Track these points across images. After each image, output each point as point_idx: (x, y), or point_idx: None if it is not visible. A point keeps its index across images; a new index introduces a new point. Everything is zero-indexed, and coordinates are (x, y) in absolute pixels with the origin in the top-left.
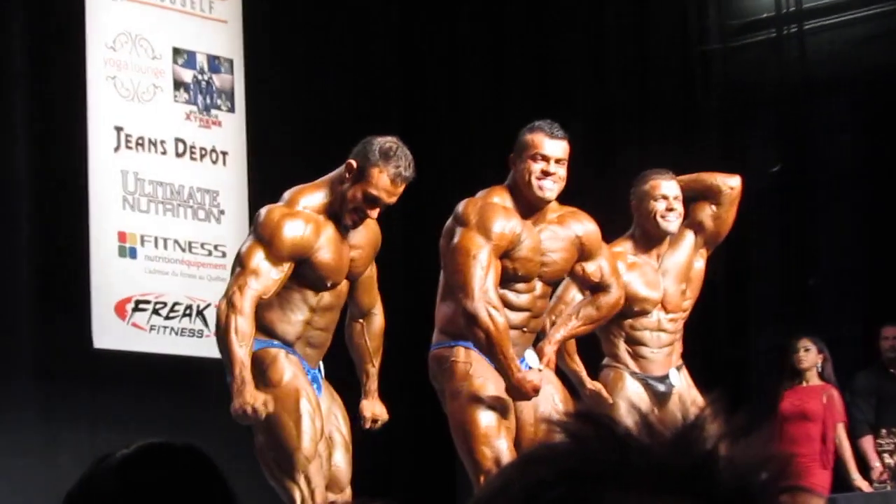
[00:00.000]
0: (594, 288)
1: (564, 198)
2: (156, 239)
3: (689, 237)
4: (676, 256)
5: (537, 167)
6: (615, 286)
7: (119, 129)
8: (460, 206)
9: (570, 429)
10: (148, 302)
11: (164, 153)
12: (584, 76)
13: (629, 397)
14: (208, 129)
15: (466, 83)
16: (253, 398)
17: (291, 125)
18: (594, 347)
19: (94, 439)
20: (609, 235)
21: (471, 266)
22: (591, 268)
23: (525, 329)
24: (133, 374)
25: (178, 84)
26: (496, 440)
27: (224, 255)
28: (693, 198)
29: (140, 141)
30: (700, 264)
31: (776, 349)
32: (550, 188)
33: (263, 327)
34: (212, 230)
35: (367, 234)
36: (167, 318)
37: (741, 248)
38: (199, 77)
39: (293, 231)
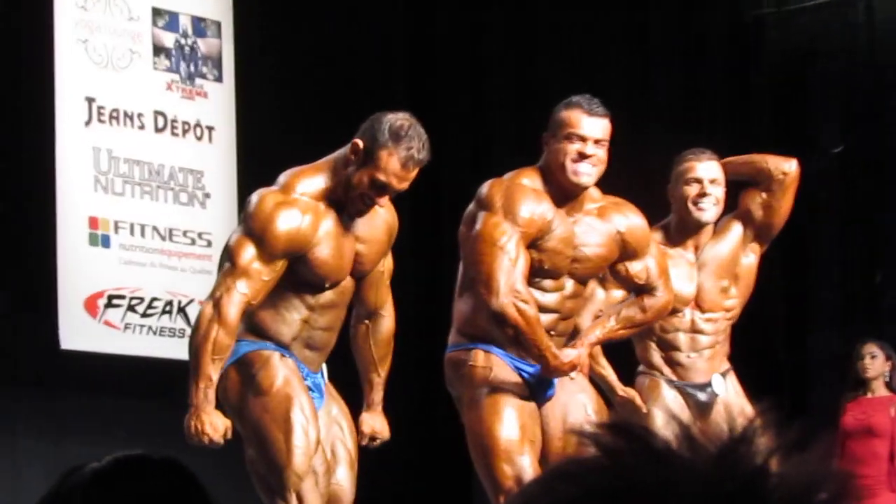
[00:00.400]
0: (639, 290)
1: (599, 182)
2: (132, 225)
3: (737, 229)
4: (719, 250)
5: (573, 148)
6: (663, 289)
7: (90, 101)
8: (484, 188)
9: (601, 442)
10: (122, 297)
11: (141, 128)
12: (621, 47)
13: (667, 407)
14: (192, 100)
15: (483, 52)
16: (212, 427)
17: (287, 97)
18: (629, 353)
19: (61, 452)
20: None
21: (496, 256)
22: (636, 267)
23: (553, 332)
24: (105, 379)
25: (159, 49)
26: (518, 456)
27: (209, 244)
28: (743, 183)
29: (114, 114)
30: (750, 260)
31: (838, 355)
32: (587, 173)
33: (254, 327)
34: (196, 216)
35: (377, 225)
36: (144, 315)
37: (798, 238)
38: (183, 42)
39: (288, 223)
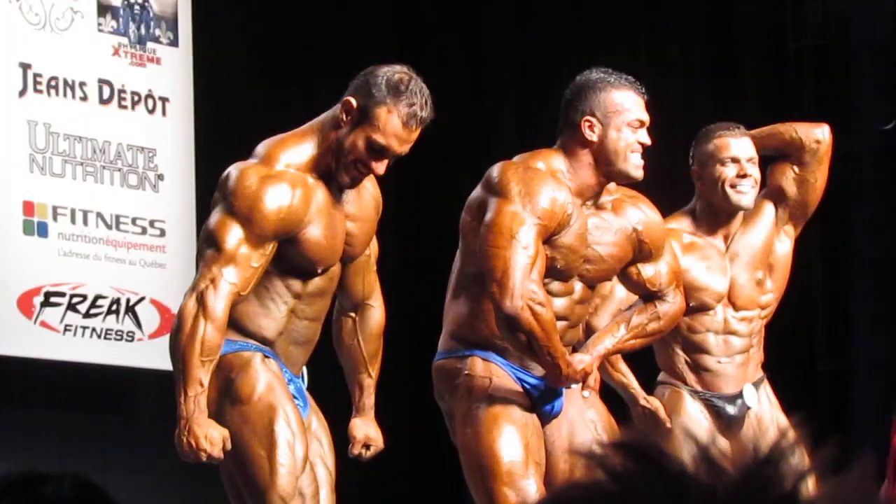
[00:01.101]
0: (649, 296)
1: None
2: (73, 211)
3: (769, 211)
4: (751, 237)
5: (634, 137)
6: (674, 294)
7: (25, 67)
8: (495, 171)
9: (610, 465)
10: (62, 294)
11: (84, 99)
12: (643, 12)
13: (685, 424)
14: (143, 67)
15: (484, 23)
16: (209, 441)
17: (253, 63)
18: (647, 359)
19: None
20: (672, 211)
21: (512, 251)
22: (649, 272)
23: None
24: (42, 388)
25: (104, 8)
26: (522, 480)
27: (162, 233)
28: (769, 158)
29: (53, 83)
30: (786, 246)
31: (887, 363)
32: (639, 163)
33: (232, 322)
34: (147, 200)
35: (366, 201)
36: (87, 315)
37: (843, 227)
38: None
39: (277, 200)
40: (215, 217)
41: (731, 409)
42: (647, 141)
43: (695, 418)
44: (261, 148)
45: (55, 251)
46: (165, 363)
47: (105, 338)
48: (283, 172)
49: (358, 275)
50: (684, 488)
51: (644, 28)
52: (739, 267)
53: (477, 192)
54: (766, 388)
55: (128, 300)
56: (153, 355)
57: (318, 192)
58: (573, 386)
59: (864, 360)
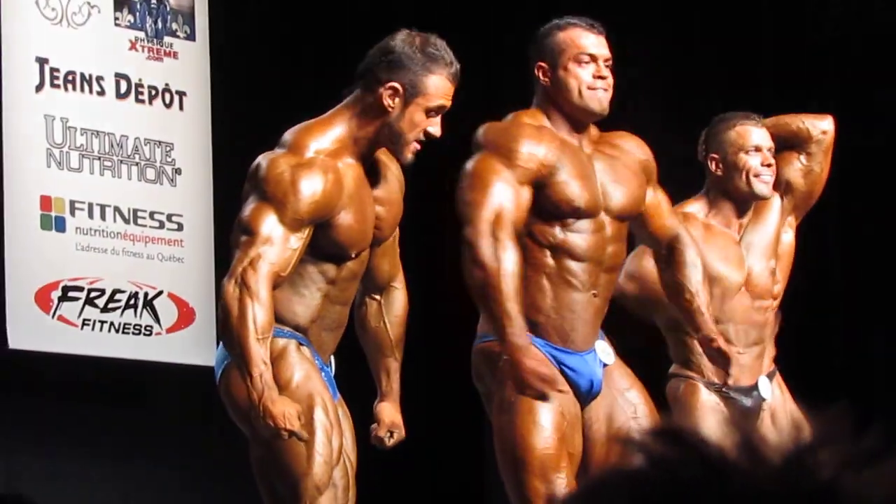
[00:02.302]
0: (669, 245)
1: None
2: (90, 206)
3: (776, 201)
4: (763, 227)
5: (586, 72)
6: (685, 231)
7: (43, 62)
8: (479, 131)
9: (650, 450)
10: (80, 289)
11: (101, 93)
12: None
13: (716, 411)
14: (160, 61)
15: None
16: (288, 419)
17: (269, 57)
18: (658, 351)
19: (10, 467)
20: (683, 199)
21: (484, 193)
22: (661, 197)
23: (595, 293)
24: (60, 383)
25: (121, 3)
26: (554, 473)
27: (180, 227)
28: (775, 149)
29: (70, 77)
30: (789, 237)
31: None
32: (605, 97)
33: None
34: (164, 195)
35: (391, 183)
36: (105, 310)
37: (863, 220)
38: None
39: (311, 186)
40: (249, 206)
41: (747, 401)
42: (605, 73)
43: (713, 410)
44: (287, 136)
45: (73, 246)
46: (183, 357)
47: (123, 332)
48: (313, 160)
49: (384, 257)
50: (726, 475)
51: (663, 17)
52: (754, 257)
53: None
54: (778, 380)
55: (146, 294)
56: (171, 350)
57: (348, 177)
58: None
59: (880, 353)
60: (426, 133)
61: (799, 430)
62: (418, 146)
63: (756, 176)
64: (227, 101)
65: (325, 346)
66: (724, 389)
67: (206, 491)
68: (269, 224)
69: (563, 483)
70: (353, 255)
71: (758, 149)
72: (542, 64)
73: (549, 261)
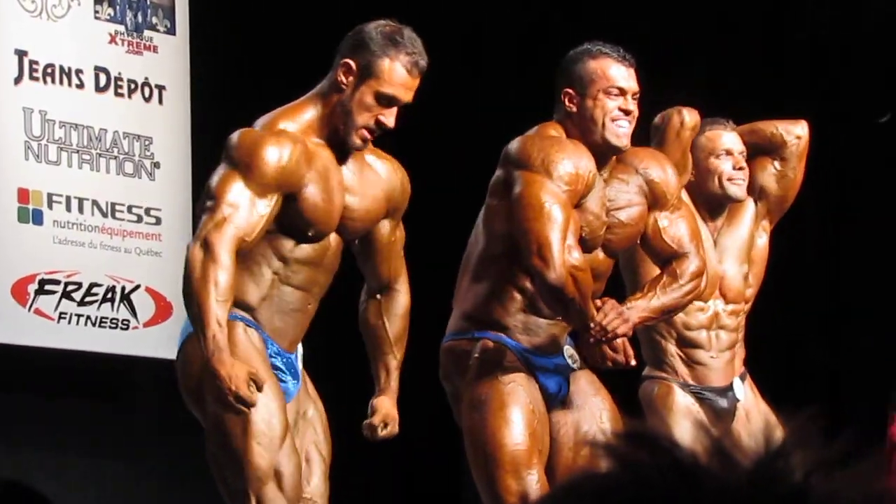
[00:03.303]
0: (671, 258)
1: None
2: (68, 199)
3: (749, 206)
4: (736, 231)
5: (613, 105)
6: (696, 254)
7: (22, 55)
8: (514, 146)
9: (620, 454)
10: (57, 282)
11: (80, 86)
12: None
13: (689, 414)
14: (140, 55)
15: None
16: (235, 380)
17: (250, 53)
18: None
19: None
20: None
21: (546, 222)
22: (665, 223)
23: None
24: (36, 376)
25: None
26: (526, 470)
27: (158, 221)
28: (749, 155)
29: (49, 70)
30: (763, 241)
31: (881, 355)
32: (627, 131)
33: None
34: (142, 188)
35: (370, 179)
36: (82, 303)
37: (836, 219)
38: None
39: (278, 152)
40: (217, 175)
41: (722, 402)
42: (631, 108)
43: (688, 411)
44: (260, 121)
45: (50, 239)
46: (160, 352)
47: (100, 326)
48: (284, 131)
49: (384, 260)
50: (697, 479)
51: (646, 16)
52: (728, 261)
53: (498, 172)
54: (749, 382)
55: (123, 288)
56: (148, 343)
57: (318, 156)
58: (574, 365)
59: (853, 353)
60: (378, 122)
61: (770, 433)
62: (368, 134)
63: (729, 179)
64: (206, 96)
65: (283, 331)
66: (700, 391)
67: (183, 485)
68: (236, 190)
69: (535, 479)
70: (311, 235)
71: (728, 152)
72: (570, 90)
73: (526, 283)
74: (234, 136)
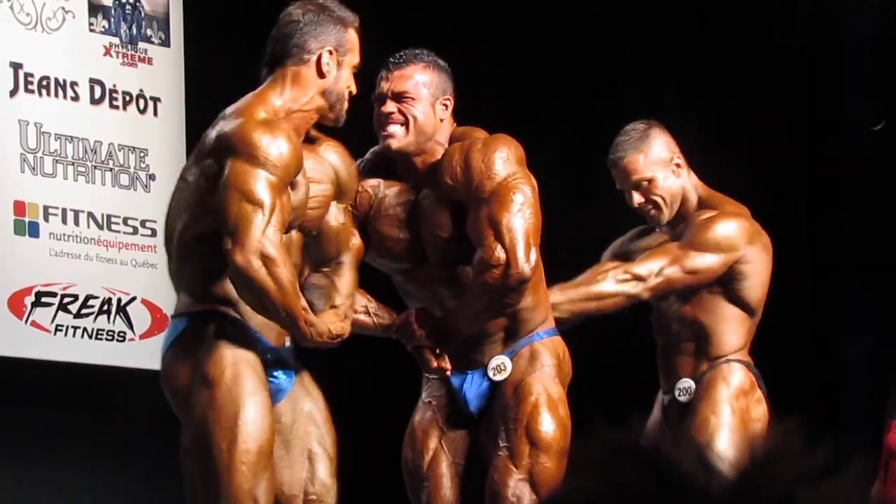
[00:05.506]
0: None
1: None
2: (64, 211)
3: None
4: None
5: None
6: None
7: (16, 67)
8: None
9: (606, 467)
10: (53, 294)
11: (75, 98)
12: (628, 4)
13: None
14: (134, 67)
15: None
16: (327, 325)
17: (244, 64)
18: (650, 365)
19: None
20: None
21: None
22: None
23: None
24: (33, 388)
25: (95, 7)
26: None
27: (153, 232)
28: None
29: (44, 82)
30: None
31: (878, 362)
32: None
33: (192, 287)
34: (138, 200)
35: (324, 164)
36: (78, 315)
37: (831, 226)
38: None
39: (287, 146)
40: (234, 171)
41: (682, 398)
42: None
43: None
44: (231, 109)
45: (46, 251)
46: (156, 363)
47: (96, 338)
48: (277, 121)
49: (330, 239)
50: (681, 490)
51: (630, 27)
52: None
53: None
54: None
55: (119, 300)
56: (144, 355)
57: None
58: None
59: (851, 360)
60: (350, 94)
61: (756, 443)
62: (347, 106)
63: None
64: (201, 108)
65: (267, 323)
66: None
67: (177, 498)
68: (262, 188)
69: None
70: (290, 226)
71: (626, 190)
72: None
73: None
74: (237, 129)
